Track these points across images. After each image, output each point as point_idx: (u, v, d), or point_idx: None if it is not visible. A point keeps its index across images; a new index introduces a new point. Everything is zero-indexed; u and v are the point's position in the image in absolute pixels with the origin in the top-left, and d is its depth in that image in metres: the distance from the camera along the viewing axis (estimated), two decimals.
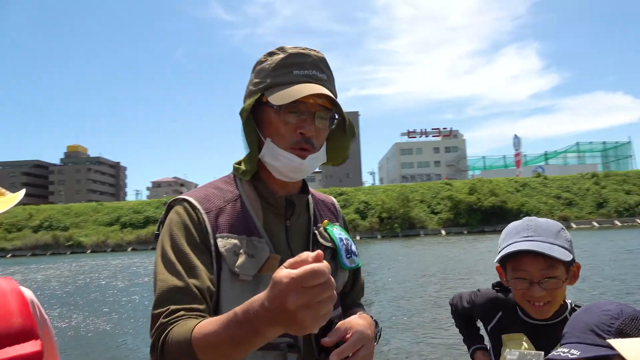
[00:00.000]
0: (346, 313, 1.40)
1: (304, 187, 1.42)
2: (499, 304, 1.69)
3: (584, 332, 1.16)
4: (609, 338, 1.11)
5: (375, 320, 1.34)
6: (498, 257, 1.59)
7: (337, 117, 1.30)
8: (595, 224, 45.84)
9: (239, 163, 1.39)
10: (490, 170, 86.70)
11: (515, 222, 1.67)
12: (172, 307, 1.09)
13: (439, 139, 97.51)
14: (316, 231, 1.38)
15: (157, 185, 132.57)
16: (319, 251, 0.83)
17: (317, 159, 1.30)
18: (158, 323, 1.08)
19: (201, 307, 1.11)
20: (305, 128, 1.25)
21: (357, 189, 56.40)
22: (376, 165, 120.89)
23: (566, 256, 1.50)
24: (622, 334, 1.11)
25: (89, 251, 47.36)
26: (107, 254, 42.04)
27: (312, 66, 1.28)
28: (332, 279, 0.83)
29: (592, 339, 1.13)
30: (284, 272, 0.81)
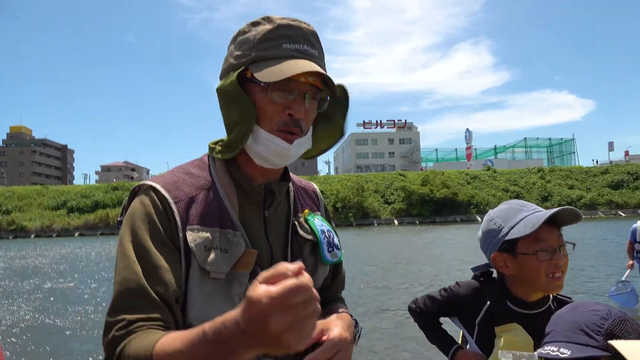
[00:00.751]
0: (325, 308, 1.30)
1: (284, 174, 1.29)
2: (485, 294, 1.64)
3: (573, 332, 1.15)
4: (599, 338, 1.11)
5: (355, 320, 1.26)
6: (518, 232, 1.56)
7: (327, 98, 1.17)
8: None
9: (216, 143, 1.23)
10: (442, 163, 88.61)
11: (498, 207, 1.69)
12: (128, 316, 0.96)
13: (393, 130, 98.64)
14: (296, 222, 1.26)
15: (106, 169, 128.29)
16: (300, 263, 0.72)
17: (303, 145, 1.16)
18: (111, 335, 0.96)
19: (163, 316, 0.99)
20: (294, 109, 1.10)
21: (312, 177, 56.53)
22: (332, 155, 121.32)
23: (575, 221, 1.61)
24: (612, 335, 1.11)
25: (32, 236, 45.38)
26: (52, 239, 40.46)
27: (304, 40, 1.14)
28: (316, 292, 0.73)
29: (582, 339, 1.13)
30: (261, 290, 0.69)
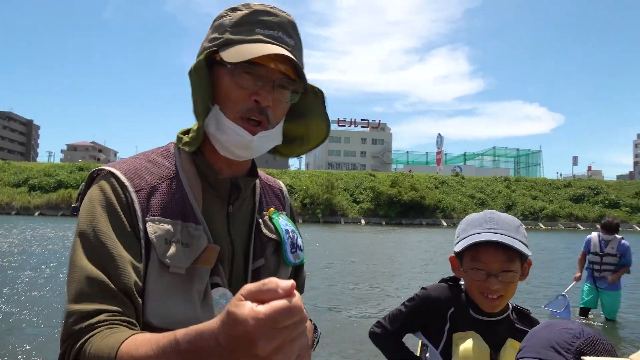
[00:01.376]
0: None
1: (252, 169, 1.24)
2: (451, 299, 1.64)
3: (544, 348, 1.16)
4: (569, 356, 1.11)
5: (314, 324, 1.25)
6: (459, 246, 1.55)
7: (301, 92, 1.12)
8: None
9: (186, 133, 1.18)
10: (412, 165, 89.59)
11: (474, 214, 1.66)
12: (90, 307, 0.90)
13: (367, 130, 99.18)
14: (260, 220, 1.22)
15: (72, 148, 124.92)
16: (292, 281, 0.63)
17: (269, 138, 1.10)
18: (71, 327, 0.90)
19: (125, 310, 0.94)
20: (261, 95, 1.05)
21: (283, 171, 56.33)
22: None
23: (526, 251, 1.52)
24: (582, 353, 1.11)
25: None
26: (10, 217, 39.23)
27: (279, 27, 1.09)
28: (305, 313, 0.66)
29: (552, 356, 1.13)
30: (247, 309, 0.62)
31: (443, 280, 1.72)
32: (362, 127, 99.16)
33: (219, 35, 1.10)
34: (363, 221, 46.86)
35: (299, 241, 1.28)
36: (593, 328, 1.26)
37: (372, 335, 1.78)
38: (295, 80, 1.10)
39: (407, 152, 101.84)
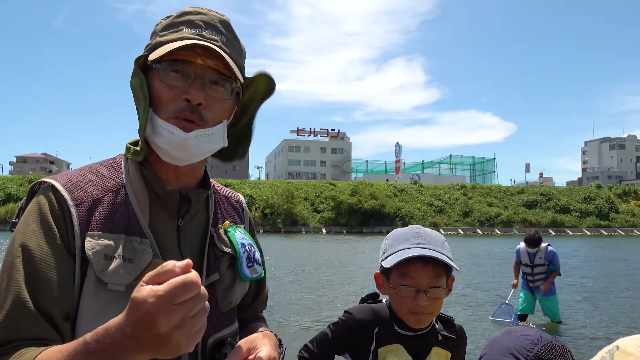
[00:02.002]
0: (245, 328, 1.24)
1: (204, 180, 1.19)
2: (376, 319, 1.60)
3: (503, 355, 1.17)
4: None
5: (279, 339, 1.21)
6: (389, 262, 1.52)
7: (234, 86, 1.08)
8: (460, 231, 49.75)
9: (135, 143, 1.13)
10: (372, 174, 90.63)
11: (400, 229, 1.64)
12: (4, 337, 0.87)
13: (326, 139, 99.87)
14: (214, 233, 1.17)
15: (22, 160, 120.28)
16: (188, 260, 0.69)
17: (209, 137, 1.06)
18: None
19: (47, 336, 0.89)
20: (191, 93, 1.02)
21: (242, 181, 55.90)
22: (263, 160, 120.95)
23: (455, 266, 1.51)
24: (540, 359, 1.12)
25: None
26: None
27: (207, 25, 1.07)
28: (204, 289, 0.71)
29: None
30: (146, 290, 0.66)
31: (363, 300, 1.69)
32: (321, 136, 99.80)
33: (150, 41, 1.10)
34: (324, 230, 46.95)
35: (257, 255, 1.24)
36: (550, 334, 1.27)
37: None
38: (229, 76, 1.07)
39: (367, 160, 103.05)
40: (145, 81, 1.06)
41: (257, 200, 47.67)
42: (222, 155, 1.23)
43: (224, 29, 1.10)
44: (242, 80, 1.10)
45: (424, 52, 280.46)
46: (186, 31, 1.06)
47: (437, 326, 1.62)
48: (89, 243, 0.98)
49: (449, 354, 1.58)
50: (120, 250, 0.99)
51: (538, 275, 8.12)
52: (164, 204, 1.09)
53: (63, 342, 0.91)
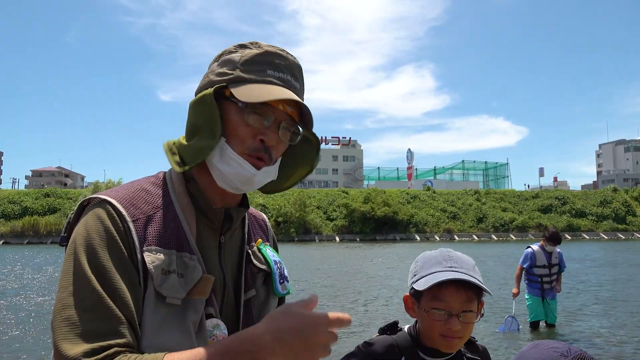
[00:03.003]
0: None
1: (243, 199, 1.23)
2: (400, 348, 1.57)
3: None
4: None
5: None
6: (421, 284, 1.51)
7: (301, 133, 1.14)
8: (475, 237, 49.42)
9: (172, 145, 1.16)
10: (384, 181, 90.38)
11: (430, 251, 1.63)
12: (101, 344, 0.88)
13: (337, 147, 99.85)
14: (249, 251, 1.22)
15: (37, 174, 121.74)
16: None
17: (269, 174, 1.12)
18: None
19: (133, 343, 0.92)
20: (267, 135, 1.07)
21: (255, 191, 56.01)
22: None
23: (488, 290, 1.51)
24: None
25: None
26: None
27: (288, 71, 1.12)
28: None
29: None
30: (314, 313, 0.85)
31: (383, 331, 1.66)
32: (332, 144, 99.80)
33: (229, 71, 1.10)
34: (337, 238, 46.90)
35: (285, 272, 1.29)
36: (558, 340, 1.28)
37: None
38: (298, 123, 1.13)
39: (379, 168, 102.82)
40: (214, 102, 1.08)
41: (270, 210, 47.80)
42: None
43: (299, 75, 1.16)
44: (309, 127, 1.16)
45: (433, 59, 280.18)
46: (270, 73, 1.09)
47: (462, 349, 1.60)
48: (149, 257, 1.00)
49: None
50: (174, 265, 1.02)
51: (554, 276, 8.03)
52: (208, 221, 1.13)
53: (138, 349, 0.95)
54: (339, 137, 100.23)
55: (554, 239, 7.86)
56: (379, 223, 48.39)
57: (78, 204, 1.07)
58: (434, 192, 58.77)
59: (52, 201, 48.67)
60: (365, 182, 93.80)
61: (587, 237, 50.40)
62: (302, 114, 1.13)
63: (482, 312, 1.56)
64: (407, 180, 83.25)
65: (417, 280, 1.55)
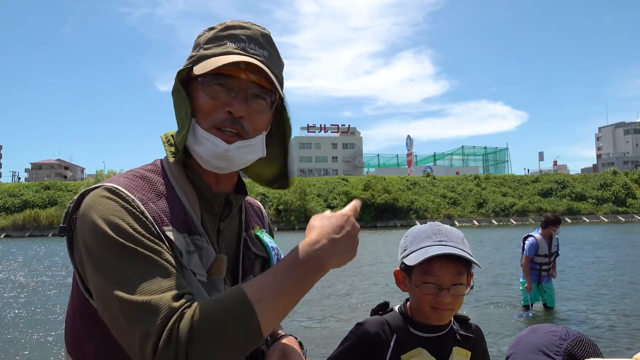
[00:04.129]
0: None
1: (240, 186, 1.24)
2: (391, 327, 1.61)
3: (532, 353, 1.19)
4: (558, 358, 1.14)
5: (299, 341, 1.25)
6: (411, 260, 1.53)
7: (276, 100, 1.13)
8: (475, 222, 49.51)
9: (168, 138, 1.19)
10: (384, 168, 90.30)
11: (419, 226, 1.64)
12: (173, 292, 0.87)
13: (337, 135, 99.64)
14: (247, 237, 1.23)
15: (37, 167, 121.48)
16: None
17: (249, 148, 1.09)
18: (166, 310, 0.84)
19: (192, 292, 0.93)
20: (233, 106, 1.05)
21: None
22: None
23: (477, 263, 1.53)
24: (570, 355, 1.14)
25: None
26: None
27: (250, 40, 1.11)
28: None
29: (541, 359, 1.16)
30: (338, 212, 1.02)
31: (374, 312, 1.69)
32: (332, 132, 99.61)
33: (194, 53, 1.13)
34: None
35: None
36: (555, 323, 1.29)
37: None
38: (271, 90, 1.11)
39: (378, 155, 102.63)
40: (186, 92, 1.10)
41: (270, 198, 47.82)
42: (265, 180, 1.29)
43: (266, 43, 1.14)
44: (282, 94, 1.13)
45: (432, 44, 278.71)
46: (230, 45, 1.09)
47: (454, 326, 1.64)
48: (172, 236, 0.99)
49: (469, 353, 1.60)
50: (191, 246, 1.03)
51: (551, 263, 8.10)
52: (209, 206, 1.13)
53: None
54: (338, 125, 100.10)
55: (554, 221, 7.95)
56: (379, 210, 48.45)
57: (79, 193, 1.06)
58: (434, 178, 58.72)
59: (52, 194, 48.64)
60: (365, 170, 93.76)
61: (587, 221, 50.49)
62: (275, 83, 1.09)
63: (471, 284, 1.59)
64: (406, 167, 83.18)
65: (407, 255, 1.57)
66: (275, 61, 1.15)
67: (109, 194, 0.99)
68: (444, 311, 1.53)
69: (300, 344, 1.25)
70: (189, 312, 0.84)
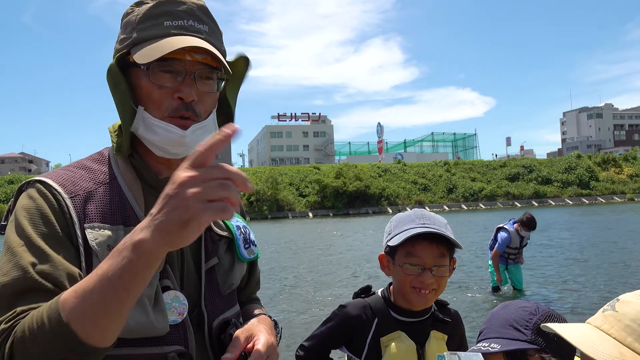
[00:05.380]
0: (242, 310, 1.24)
1: None
2: (373, 310, 1.64)
3: (503, 327, 1.22)
4: (528, 332, 1.17)
5: (274, 320, 1.23)
6: (395, 241, 1.55)
7: (223, 78, 1.08)
8: (445, 207, 50.23)
9: (115, 131, 1.12)
10: (355, 156, 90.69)
11: (404, 212, 1.67)
12: (20, 308, 0.84)
13: (308, 123, 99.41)
14: None
15: (0, 161, 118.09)
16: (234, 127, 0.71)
17: (204, 130, 1.05)
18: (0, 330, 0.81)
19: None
20: (183, 92, 1.01)
21: None
22: (246, 147, 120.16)
23: (459, 244, 1.56)
24: (540, 329, 1.17)
25: None
26: None
27: (188, 15, 1.04)
28: (237, 176, 0.71)
29: (512, 334, 1.19)
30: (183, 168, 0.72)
31: (357, 295, 1.73)
32: (302, 120, 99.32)
33: (127, 35, 1.05)
34: (310, 214, 47.06)
35: (252, 236, 1.25)
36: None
37: (298, 359, 1.74)
38: (217, 66, 1.06)
39: (349, 142, 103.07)
40: (125, 78, 1.04)
41: None
42: None
43: (203, 16, 1.07)
44: (228, 69, 1.08)
45: (401, 31, 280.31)
46: (167, 24, 1.02)
47: (434, 312, 1.66)
48: (91, 234, 0.97)
49: (445, 337, 1.62)
50: (120, 240, 0.98)
51: (520, 252, 8.23)
52: (157, 193, 1.08)
53: None
54: (308, 113, 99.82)
55: (531, 225, 7.89)
56: (351, 197, 48.67)
57: (17, 188, 1.04)
58: (405, 165, 59.28)
59: (15, 188, 47.08)
60: (337, 158, 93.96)
61: (553, 203, 51.79)
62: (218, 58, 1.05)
63: (454, 267, 1.62)
64: (377, 154, 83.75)
65: (392, 238, 1.59)
66: (216, 33, 1.10)
67: (35, 193, 0.98)
68: (426, 292, 1.54)
69: (275, 323, 1.23)
70: (13, 335, 0.80)
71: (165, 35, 1.02)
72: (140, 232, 0.73)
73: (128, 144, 1.07)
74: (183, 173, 0.70)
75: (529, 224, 7.88)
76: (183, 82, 1.02)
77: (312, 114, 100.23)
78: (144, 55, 1.00)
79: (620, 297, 0.96)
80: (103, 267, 0.75)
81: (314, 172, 54.33)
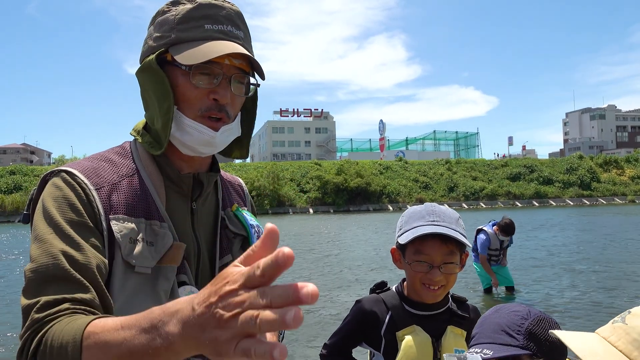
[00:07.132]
0: None
1: (213, 164, 1.21)
2: (387, 305, 1.66)
3: (495, 332, 1.22)
4: (520, 337, 1.17)
5: None
6: (404, 238, 1.57)
7: (255, 83, 1.13)
8: (446, 206, 50.09)
9: (138, 132, 1.15)
10: (357, 153, 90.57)
11: (415, 206, 1.69)
12: (47, 297, 0.85)
13: (310, 119, 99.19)
14: (225, 216, 1.20)
15: (1, 151, 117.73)
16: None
17: (231, 132, 1.10)
18: (30, 320, 0.83)
19: (88, 296, 0.88)
20: (219, 93, 1.04)
21: (228, 164, 55.57)
22: None
23: (467, 242, 1.57)
24: (531, 333, 1.17)
25: None
26: None
27: (227, 20, 1.07)
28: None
29: (504, 339, 1.19)
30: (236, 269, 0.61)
31: (372, 291, 1.76)
32: (305, 116, 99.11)
33: (166, 34, 1.06)
34: (311, 210, 47.07)
35: None
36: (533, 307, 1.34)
37: (323, 359, 1.77)
38: (250, 72, 1.10)
39: (351, 139, 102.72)
40: (160, 71, 1.05)
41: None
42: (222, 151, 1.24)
43: (240, 23, 1.10)
44: (263, 75, 1.12)
45: (405, 29, 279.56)
46: (208, 27, 1.05)
47: (451, 307, 1.67)
48: (116, 226, 0.99)
49: (464, 333, 1.63)
50: (142, 233, 1.01)
51: (502, 252, 8.19)
52: (178, 188, 1.11)
53: (106, 307, 0.92)
54: (311, 109, 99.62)
55: (509, 230, 7.84)
56: (352, 194, 48.66)
57: (41, 178, 1.05)
58: (406, 163, 59.20)
59: (17, 179, 47.27)
60: (338, 154, 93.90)
61: (554, 204, 51.72)
62: (252, 62, 1.09)
63: (464, 263, 1.63)
64: (379, 151, 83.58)
65: (401, 234, 1.61)
66: (249, 40, 1.13)
67: (61, 183, 0.99)
68: (435, 289, 1.57)
69: None
70: (42, 333, 0.81)
71: (207, 38, 1.04)
72: (179, 332, 0.60)
73: (167, 141, 1.07)
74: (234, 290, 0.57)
75: (506, 229, 7.85)
76: (220, 85, 1.05)
77: (315, 110, 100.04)
78: (189, 57, 1.02)
79: (632, 310, 0.96)
80: (132, 332, 0.67)
81: (315, 168, 54.27)
